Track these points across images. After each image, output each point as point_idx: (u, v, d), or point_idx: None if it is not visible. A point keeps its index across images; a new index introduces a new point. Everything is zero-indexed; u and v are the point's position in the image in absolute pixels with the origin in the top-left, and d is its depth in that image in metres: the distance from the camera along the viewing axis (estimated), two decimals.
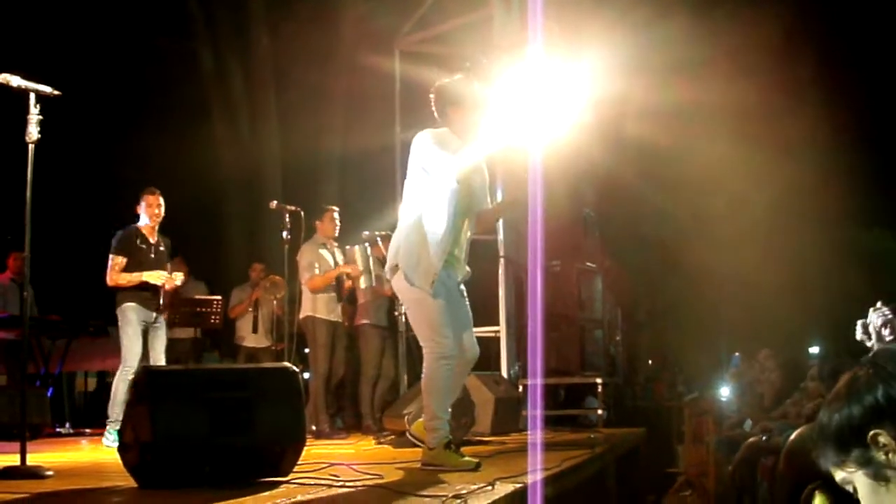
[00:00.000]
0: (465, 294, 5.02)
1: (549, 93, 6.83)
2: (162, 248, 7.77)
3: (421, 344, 4.86)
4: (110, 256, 7.53)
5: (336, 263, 8.50)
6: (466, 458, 4.62)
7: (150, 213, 7.67)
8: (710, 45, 14.63)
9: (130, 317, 7.49)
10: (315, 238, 8.51)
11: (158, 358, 7.64)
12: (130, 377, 7.36)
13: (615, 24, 10.23)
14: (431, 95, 5.01)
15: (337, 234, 8.65)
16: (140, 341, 7.51)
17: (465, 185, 4.83)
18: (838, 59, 18.05)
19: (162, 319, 7.73)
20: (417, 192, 4.88)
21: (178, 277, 7.84)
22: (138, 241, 7.60)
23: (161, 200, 7.70)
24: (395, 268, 4.84)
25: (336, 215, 8.64)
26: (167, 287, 7.69)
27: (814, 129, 16.79)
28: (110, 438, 7.34)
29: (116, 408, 7.41)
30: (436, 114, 5.00)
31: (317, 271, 8.34)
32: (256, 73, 15.95)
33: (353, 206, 9.37)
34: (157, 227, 7.75)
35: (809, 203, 16.94)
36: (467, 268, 5.02)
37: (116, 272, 7.50)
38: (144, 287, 7.56)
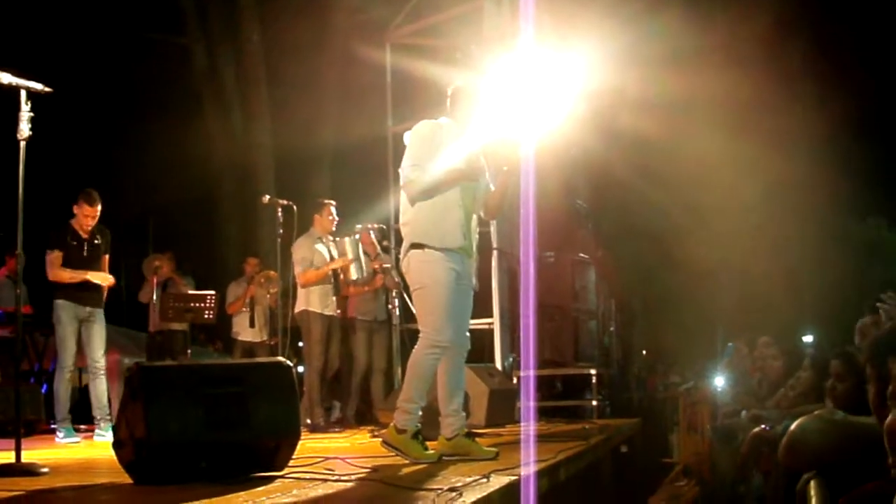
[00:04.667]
0: (475, 287, 5.05)
1: (541, 84, 6.83)
2: (97, 243, 7.69)
3: (419, 328, 4.86)
4: (47, 252, 7.48)
5: (332, 258, 8.47)
6: (429, 452, 4.66)
7: (79, 218, 7.60)
8: (702, 36, 14.65)
9: (61, 315, 7.48)
10: (311, 232, 8.47)
11: (96, 352, 7.59)
12: (67, 377, 7.50)
13: (607, 15, 10.24)
14: (449, 90, 5.08)
15: (334, 230, 8.63)
16: (73, 340, 7.50)
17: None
18: (831, 52, 18.09)
19: (98, 313, 7.67)
20: None
21: (109, 279, 7.75)
22: (69, 238, 7.55)
23: (95, 212, 7.55)
24: (409, 248, 4.84)
25: (334, 209, 8.61)
26: (105, 286, 7.71)
27: (807, 120, 16.84)
28: (60, 435, 7.39)
29: (61, 407, 7.47)
30: (449, 106, 5.07)
31: (311, 266, 8.31)
32: (248, 67, 15.89)
33: (346, 199, 9.35)
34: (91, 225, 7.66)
35: (802, 193, 16.98)
36: (474, 257, 5.04)
37: (57, 267, 7.45)
38: (78, 282, 7.53)
